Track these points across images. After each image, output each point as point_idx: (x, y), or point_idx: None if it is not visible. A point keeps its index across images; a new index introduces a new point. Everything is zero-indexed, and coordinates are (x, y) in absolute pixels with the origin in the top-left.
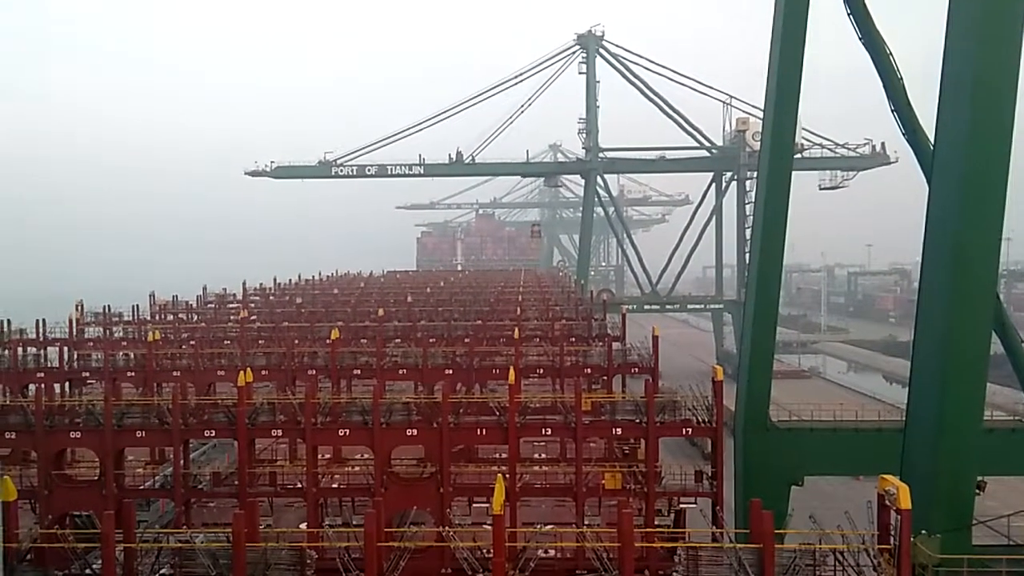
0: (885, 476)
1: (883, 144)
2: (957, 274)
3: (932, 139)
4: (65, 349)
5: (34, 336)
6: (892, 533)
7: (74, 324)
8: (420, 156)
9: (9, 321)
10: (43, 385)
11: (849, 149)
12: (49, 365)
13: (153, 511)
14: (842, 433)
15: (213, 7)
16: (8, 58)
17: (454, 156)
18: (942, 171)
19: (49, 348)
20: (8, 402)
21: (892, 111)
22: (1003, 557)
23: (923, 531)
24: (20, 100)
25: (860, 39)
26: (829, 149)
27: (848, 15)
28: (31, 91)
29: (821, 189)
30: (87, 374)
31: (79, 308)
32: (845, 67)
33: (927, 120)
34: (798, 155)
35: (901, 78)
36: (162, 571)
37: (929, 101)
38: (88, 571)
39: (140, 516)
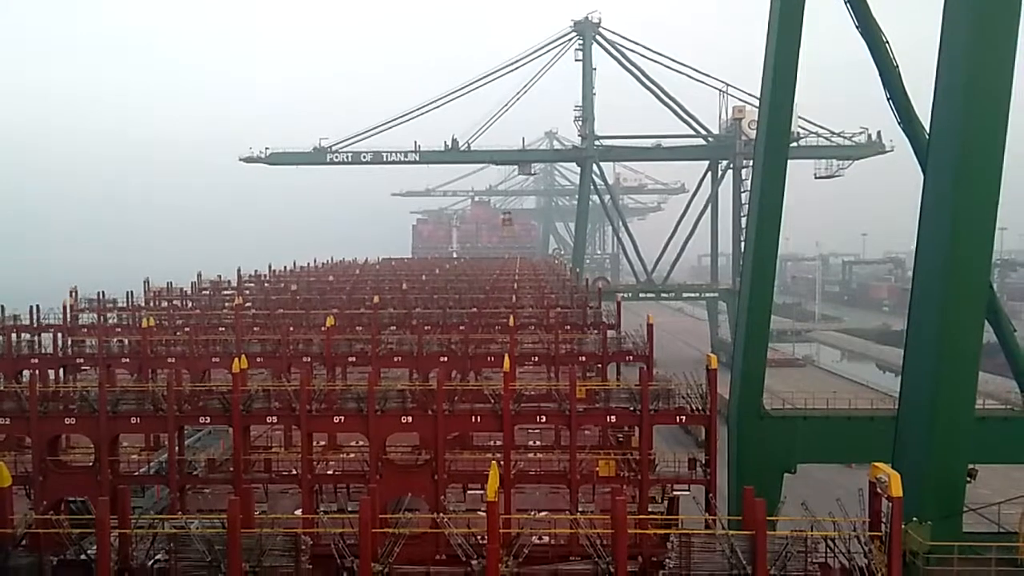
0: (877, 464)
1: (879, 133)
2: (951, 263)
3: (927, 128)
4: (59, 335)
5: (28, 322)
6: (883, 520)
7: (68, 310)
8: (415, 143)
9: (3, 307)
10: (37, 371)
11: (845, 138)
12: (43, 351)
13: (148, 497)
14: (835, 421)
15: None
16: (10, 54)
17: (449, 143)
18: (937, 160)
19: (43, 334)
20: (2, 388)
21: (888, 100)
22: (993, 544)
23: (914, 518)
24: (22, 95)
25: (857, 28)
26: (825, 138)
27: (845, 4)
28: (32, 85)
29: (817, 178)
30: (81, 360)
31: (73, 294)
32: (841, 56)
33: (923, 109)
34: (794, 144)
35: (897, 67)
36: (157, 557)
37: (925, 90)
38: (83, 557)
39: (135, 502)
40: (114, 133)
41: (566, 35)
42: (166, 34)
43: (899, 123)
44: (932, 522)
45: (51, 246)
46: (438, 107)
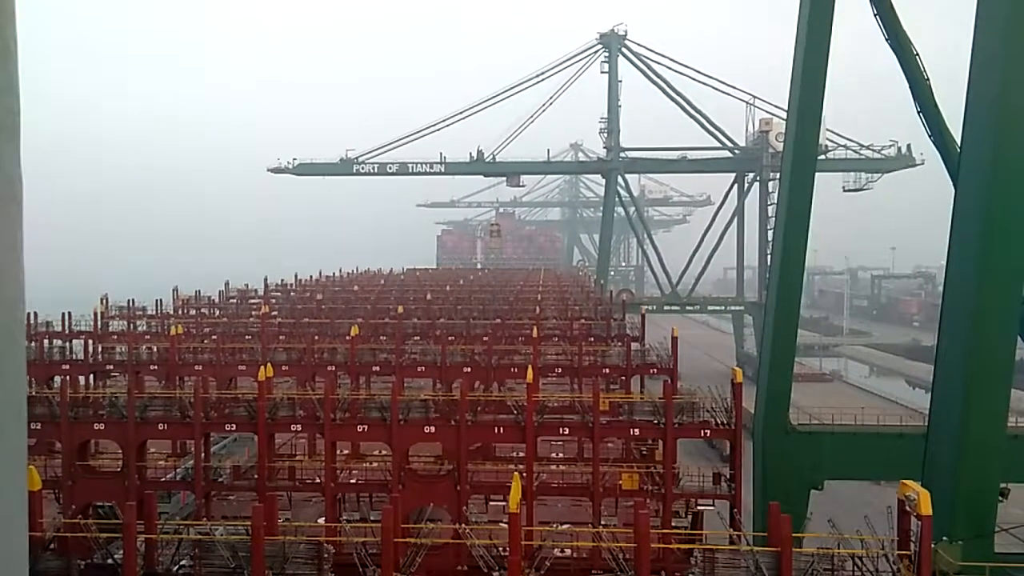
0: (906, 481)
1: (908, 146)
2: (982, 278)
3: (959, 141)
4: (90, 342)
5: (60, 329)
6: (912, 539)
7: (99, 317)
8: (441, 154)
9: (36, 314)
10: (68, 377)
11: (874, 151)
12: (74, 358)
13: (174, 503)
14: (863, 437)
15: (239, 7)
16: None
17: (475, 155)
18: (968, 174)
19: (74, 341)
20: (35, 393)
21: (918, 112)
22: None
23: (944, 538)
24: (51, 104)
25: (886, 39)
26: (853, 150)
27: (874, 15)
28: (56, 93)
29: (845, 191)
30: (111, 367)
31: (104, 302)
32: (870, 67)
33: (954, 122)
34: (821, 156)
35: (928, 79)
36: (182, 562)
37: (956, 103)
38: (110, 561)
39: (161, 508)
40: (137, 141)
41: (592, 47)
42: (190, 41)
43: (929, 136)
44: (963, 542)
45: (74, 252)
46: (464, 119)
